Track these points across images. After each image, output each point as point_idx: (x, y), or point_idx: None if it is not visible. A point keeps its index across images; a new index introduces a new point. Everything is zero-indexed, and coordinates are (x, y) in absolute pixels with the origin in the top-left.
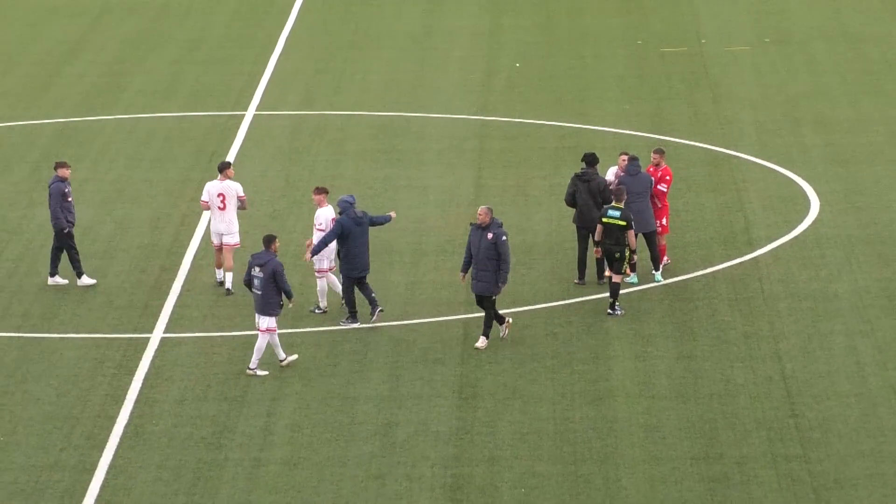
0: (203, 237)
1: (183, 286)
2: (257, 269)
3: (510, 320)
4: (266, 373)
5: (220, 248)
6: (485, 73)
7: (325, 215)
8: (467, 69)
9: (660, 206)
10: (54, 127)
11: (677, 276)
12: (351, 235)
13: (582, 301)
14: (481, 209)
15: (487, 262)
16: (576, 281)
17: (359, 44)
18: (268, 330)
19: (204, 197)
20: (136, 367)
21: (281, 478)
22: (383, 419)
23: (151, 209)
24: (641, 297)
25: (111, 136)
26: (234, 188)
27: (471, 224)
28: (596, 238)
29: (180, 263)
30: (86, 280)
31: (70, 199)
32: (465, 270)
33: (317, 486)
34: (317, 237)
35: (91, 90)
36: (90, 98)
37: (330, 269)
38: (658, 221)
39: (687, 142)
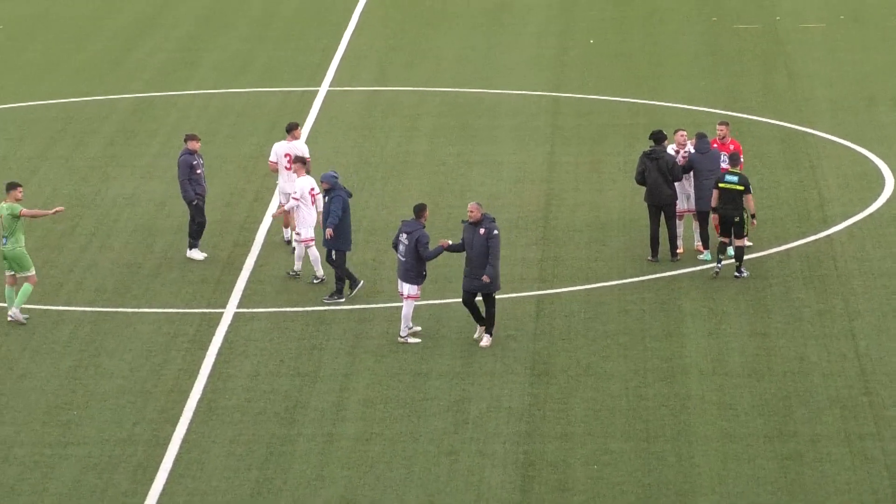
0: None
1: (256, 261)
2: (405, 235)
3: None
4: (418, 340)
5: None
6: (558, 49)
7: (302, 185)
8: (541, 45)
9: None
10: (128, 102)
11: (751, 253)
12: (346, 210)
13: (655, 278)
14: (471, 205)
15: (483, 259)
16: (649, 258)
17: (432, 20)
18: (409, 297)
19: (272, 158)
20: (210, 341)
21: (353, 453)
22: (455, 395)
23: (225, 185)
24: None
25: (185, 111)
26: (300, 149)
27: (463, 221)
28: (712, 204)
29: (253, 239)
30: (195, 254)
31: (199, 171)
32: (453, 247)
33: (389, 462)
34: (289, 206)
35: (165, 66)
36: (164, 73)
37: (305, 241)
38: None
39: (761, 119)
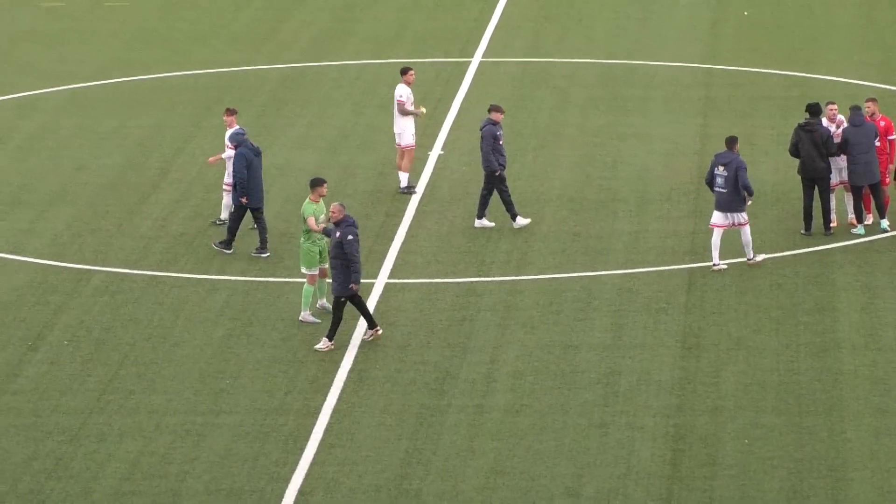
0: (427, 184)
1: (407, 232)
2: (721, 167)
3: (380, 332)
4: (764, 256)
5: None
6: (712, 20)
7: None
8: (694, 16)
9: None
10: (281, 72)
11: None
12: (251, 166)
13: (808, 252)
14: (333, 206)
15: (335, 261)
16: (802, 231)
17: None
18: (742, 224)
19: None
20: None
21: (503, 425)
22: (606, 368)
23: (377, 155)
24: (868, 249)
25: (337, 81)
26: (397, 92)
27: (327, 220)
28: None
29: (405, 209)
30: (520, 221)
31: (501, 142)
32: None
33: (539, 434)
34: (227, 155)
35: (318, 36)
36: (317, 44)
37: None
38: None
39: None
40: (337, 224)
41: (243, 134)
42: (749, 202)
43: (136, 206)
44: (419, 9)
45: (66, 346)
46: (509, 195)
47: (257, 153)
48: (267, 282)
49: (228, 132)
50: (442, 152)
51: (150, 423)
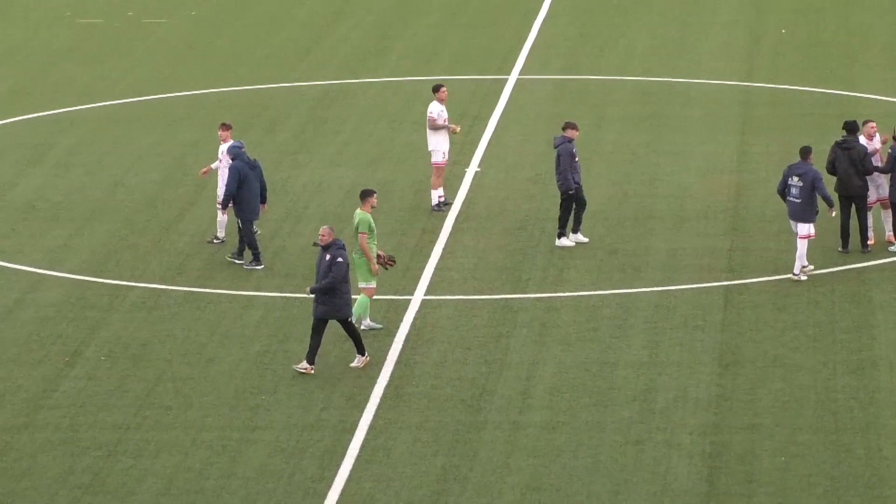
0: (464, 201)
1: (444, 248)
2: (796, 178)
3: (368, 359)
4: (806, 275)
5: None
6: (750, 38)
7: (224, 150)
8: (732, 34)
9: None
10: (318, 89)
11: None
12: (246, 180)
13: (845, 269)
14: (323, 229)
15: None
16: (839, 249)
17: (623, 8)
18: (808, 236)
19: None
20: (397, 328)
21: (540, 441)
22: (642, 385)
23: (414, 172)
24: None
25: (374, 98)
26: (428, 109)
27: (314, 244)
28: None
29: (441, 226)
30: (564, 241)
31: (577, 159)
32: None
33: (575, 451)
34: (217, 167)
35: (355, 53)
36: (354, 60)
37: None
38: None
39: None
40: (326, 248)
41: (241, 147)
42: (832, 213)
43: (173, 223)
44: (456, 26)
45: (103, 362)
46: (570, 215)
47: (253, 166)
48: (304, 298)
49: (223, 146)
50: (479, 169)
51: (186, 438)
